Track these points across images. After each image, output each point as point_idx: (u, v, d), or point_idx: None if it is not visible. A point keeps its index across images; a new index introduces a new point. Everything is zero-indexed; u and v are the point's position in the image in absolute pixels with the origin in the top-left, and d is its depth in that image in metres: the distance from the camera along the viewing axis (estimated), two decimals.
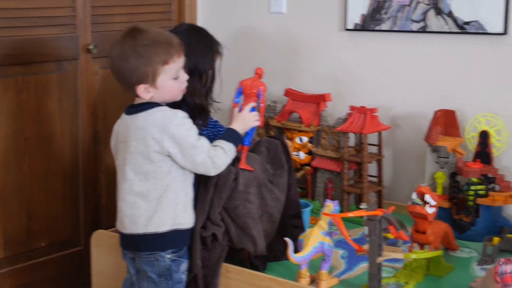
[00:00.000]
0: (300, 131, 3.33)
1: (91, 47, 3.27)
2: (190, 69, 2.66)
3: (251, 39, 3.72)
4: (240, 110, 2.59)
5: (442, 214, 2.97)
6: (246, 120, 2.56)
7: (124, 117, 2.47)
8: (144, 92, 2.39)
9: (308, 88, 3.50)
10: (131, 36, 2.37)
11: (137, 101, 2.45)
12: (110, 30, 3.35)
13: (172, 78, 2.41)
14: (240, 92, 2.63)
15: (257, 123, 2.60)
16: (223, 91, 2.85)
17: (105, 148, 3.36)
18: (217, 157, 2.43)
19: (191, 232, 2.47)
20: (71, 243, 3.35)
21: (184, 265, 2.46)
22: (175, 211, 2.41)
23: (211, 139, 2.60)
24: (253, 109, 2.60)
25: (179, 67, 2.42)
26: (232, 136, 2.51)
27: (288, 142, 3.02)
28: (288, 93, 3.45)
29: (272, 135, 3.26)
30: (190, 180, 2.46)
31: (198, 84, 2.73)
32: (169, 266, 2.42)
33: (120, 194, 2.48)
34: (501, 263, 2.21)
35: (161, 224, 2.40)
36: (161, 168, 2.38)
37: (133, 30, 2.39)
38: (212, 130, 2.90)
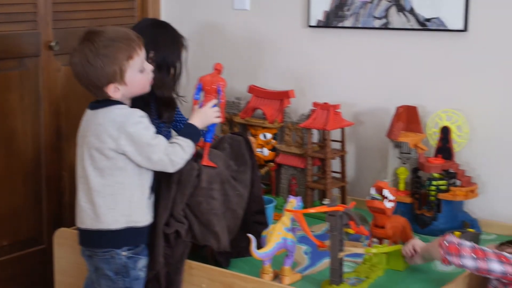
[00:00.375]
0: (264, 127, 3.34)
1: (52, 44, 3.25)
2: (158, 62, 2.72)
3: (215, 36, 3.72)
4: (200, 107, 2.59)
5: (404, 209, 2.99)
6: (207, 116, 2.56)
7: (87, 112, 2.47)
8: (114, 91, 2.39)
9: (271, 84, 3.50)
10: (89, 40, 2.36)
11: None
12: (72, 27, 3.33)
13: (138, 71, 2.41)
14: (199, 88, 2.62)
15: (218, 120, 2.60)
16: (188, 85, 2.86)
17: (68, 145, 3.34)
18: (174, 155, 2.42)
19: (148, 229, 2.47)
20: (34, 241, 3.33)
21: (141, 262, 2.46)
22: (130, 209, 2.41)
23: None
24: (214, 106, 2.59)
25: (143, 59, 2.43)
26: (190, 132, 2.51)
27: (252, 139, 3.03)
28: (252, 89, 3.45)
29: (236, 132, 3.26)
30: (147, 178, 2.45)
31: (167, 77, 2.77)
32: (125, 263, 2.41)
33: (78, 189, 2.47)
34: (451, 233, 2.27)
35: (115, 221, 2.39)
36: (116, 165, 2.38)
37: (90, 34, 2.38)
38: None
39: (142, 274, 2.46)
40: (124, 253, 2.41)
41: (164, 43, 2.81)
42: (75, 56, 2.39)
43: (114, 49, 2.35)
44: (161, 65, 2.75)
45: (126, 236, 2.41)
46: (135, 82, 2.41)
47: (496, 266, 2.19)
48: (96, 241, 2.43)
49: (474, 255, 2.20)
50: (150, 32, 2.82)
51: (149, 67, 2.47)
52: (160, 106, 2.82)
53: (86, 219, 2.43)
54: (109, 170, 2.38)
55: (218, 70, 2.64)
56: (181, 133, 2.50)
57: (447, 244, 2.25)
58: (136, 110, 2.42)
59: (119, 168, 2.39)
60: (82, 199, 2.44)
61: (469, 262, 2.22)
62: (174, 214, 2.52)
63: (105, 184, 2.39)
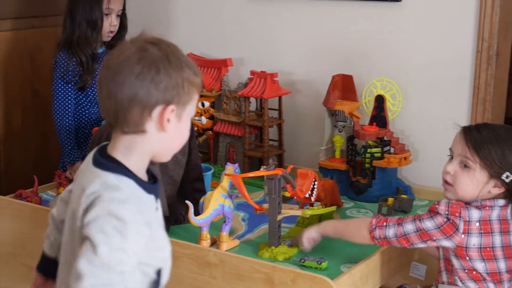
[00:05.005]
0: (201, 96, 3.34)
1: None
2: (78, 21, 2.91)
3: (154, 6, 3.69)
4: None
5: (340, 176, 3.05)
6: None
7: (89, 165, 1.62)
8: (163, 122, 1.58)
9: (209, 53, 3.50)
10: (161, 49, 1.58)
11: (112, 149, 1.61)
12: None
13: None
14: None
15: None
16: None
17: (3, 113, 3.29)
18: None
19: None
20: None
21: None
22: None
23: None
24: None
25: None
26: None
27: None
28: (190, 57, 3.44)
29: None
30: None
31: (92, 33, 2.95)
32: None
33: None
34: (373, 226, 2.26)
35: None
36: None
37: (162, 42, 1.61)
38: None
39: None
40: None
41: (78, 1, 2.88)
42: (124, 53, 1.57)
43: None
44: (81, 22, 2.91)
45: None
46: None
47: (420, 244, 2.22)
48: None
49: (400, 244, 2.23)
50: None
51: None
52: (88, 62, 2.89)
53: None
54: None
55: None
56: None
57: (379, 241, 2.27)
58: (135, 202, 1.54)
59: None
60: None
61: (398, 246, 2.26)
62: None
63: None
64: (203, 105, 3.34)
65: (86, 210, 1.51)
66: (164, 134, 1.59)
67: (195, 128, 3.26)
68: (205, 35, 3.57)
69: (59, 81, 3.00)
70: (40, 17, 3.50)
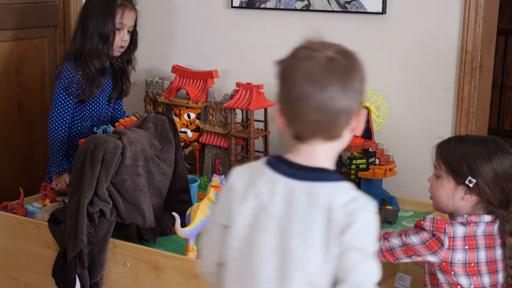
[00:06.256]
0: (187, 107, 3.35)
1: None
2: (90, 34, 2.93)
3: (143, 20, 3.70)
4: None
5: None
6: None
7: (277, 179, 1.64)
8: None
9: (195, 64, 3.52)
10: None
11: (311, 159, 1.65)
12: None
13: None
14: None
15: None
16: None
17: None
18: None
19: None
20: None
21: None
22: None
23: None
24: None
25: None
26: None
27: (176, 119, 3.05)
28: (176, 69, 3.46)
29: (160, 111, 3.28)
30: None
31: (100, 45, 2.95)
32: None
33: None
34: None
35: None
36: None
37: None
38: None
39: None
40: None
41: (93, 13, 2.93)
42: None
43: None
44: (93, 35, 2.92)
45: None
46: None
47: (405, 259, 2.22)
48: None
49: (386, 259, 2.23)
50: (88, 3, 2.95)
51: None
52: (95, 75, 2.92)
53: None
54: None
55: None
56: None
57: (384, 254, 2.25)
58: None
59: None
60: None
61: (384, 260, 2.26)
62: (98, 193, 2.51)
63: None
64: (189, 116, 3.35)
65: (348, 224, 1.55)
66: (350, 134, 1.68)
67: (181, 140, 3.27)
68: (191, 47, 3.58)
69: (61, 91, 3.00)
70: (25, 29, 3.50)
